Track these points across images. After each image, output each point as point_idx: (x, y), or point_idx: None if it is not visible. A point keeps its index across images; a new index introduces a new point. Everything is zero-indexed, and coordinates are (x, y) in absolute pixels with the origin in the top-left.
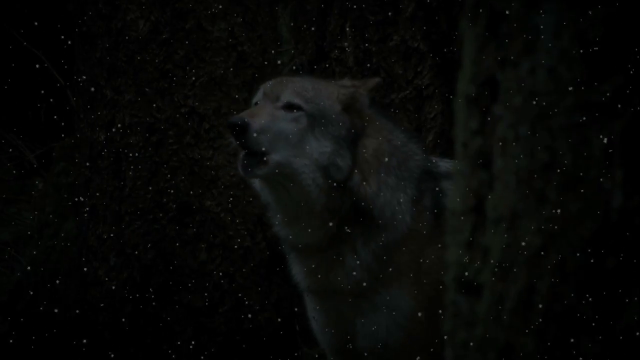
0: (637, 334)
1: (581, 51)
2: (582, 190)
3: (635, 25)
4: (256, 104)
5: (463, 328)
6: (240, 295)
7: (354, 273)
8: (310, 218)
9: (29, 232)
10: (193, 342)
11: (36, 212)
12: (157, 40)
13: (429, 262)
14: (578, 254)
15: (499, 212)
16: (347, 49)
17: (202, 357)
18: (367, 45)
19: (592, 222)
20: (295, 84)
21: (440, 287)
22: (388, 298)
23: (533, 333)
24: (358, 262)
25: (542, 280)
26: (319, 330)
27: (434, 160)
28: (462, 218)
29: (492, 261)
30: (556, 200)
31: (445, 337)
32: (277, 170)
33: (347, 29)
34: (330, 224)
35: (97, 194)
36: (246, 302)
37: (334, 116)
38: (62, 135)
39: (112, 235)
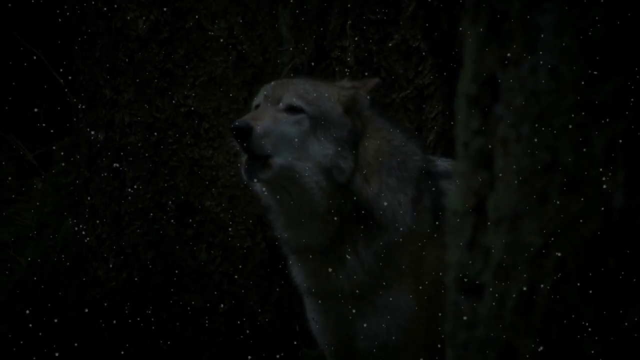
0: (639, 334)
1: (582, 50)
2: (583, 190)
3: (637, 24)
4: (256, 106)
5: (464, 329)
6: (240, 295)
7: (355, 275)
8: (312, 220)
9: (28, 233)
10: (193, 343)
11: (35, 212)
12: (157, 39)
13: (429, 263)
14: (579, 254)
15: (500, 212)
16: (347, 48)
17: (202, 358)
18: (367, 44)
19: (593, 222)
20: (296, 86)
21: (440, 287)
22: (389, 299)
23: (534, 333)
24: (359, 263)
25: (543, 281)
26: (319, 331)
27: (432, 160)
28: (463, 218)
29: (493, 261)
30: (558, 200)
31: (446, 337)
32: (280, 174)
33: (348, 28)
34: (332, 226)
35: (97, 194)
36: (246, 303)
37: (335, 118)
38: (62, 135)
39: (111, 235)
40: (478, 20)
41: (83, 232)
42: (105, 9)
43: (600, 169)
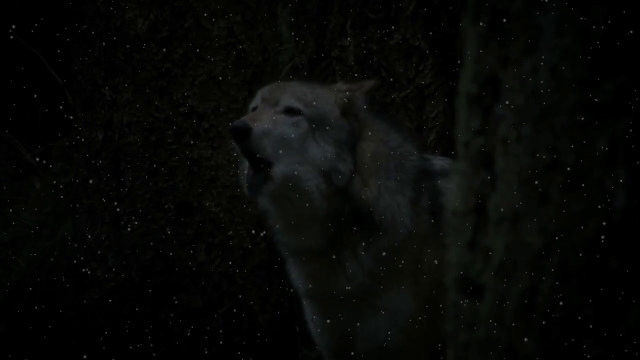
0: None
1: (583, 50)
2: (584, 190)
3: (638, 24)
4: (253, 108)
5: (464, 329)
6: (239, 296)
7: (355, 277)
8: (312, 224)
9: (26, 233)
10: (192, 343)
11: (33, 212)
12: (156, 38)
13: (428, 264)
14: (581, 255)
15: (500, 213)
16: (347, 47)
17: (201, 358)
18: (368, 43)
19: (594, 223)
20: (294, 88)
21: (440, 288)
22: (388, 301)
23: (535, 334)
24: (359, 266)
25: (544, 281)
26: (318, 333)
27: (429, 159)
28: (463, 218)
29: (494, 262)
30: (559, 200)
31: (447, 338)
32: (283, 184)
33: (348, 27)
34: (331, 228)
35: (95, 194)
36: (245, 303)
37: (333, 120)
38: (60, 135)
39: (110, 235)
40: (479, 19)
41: (82, 232)
42: (104, 8)
43: (602, 169)
